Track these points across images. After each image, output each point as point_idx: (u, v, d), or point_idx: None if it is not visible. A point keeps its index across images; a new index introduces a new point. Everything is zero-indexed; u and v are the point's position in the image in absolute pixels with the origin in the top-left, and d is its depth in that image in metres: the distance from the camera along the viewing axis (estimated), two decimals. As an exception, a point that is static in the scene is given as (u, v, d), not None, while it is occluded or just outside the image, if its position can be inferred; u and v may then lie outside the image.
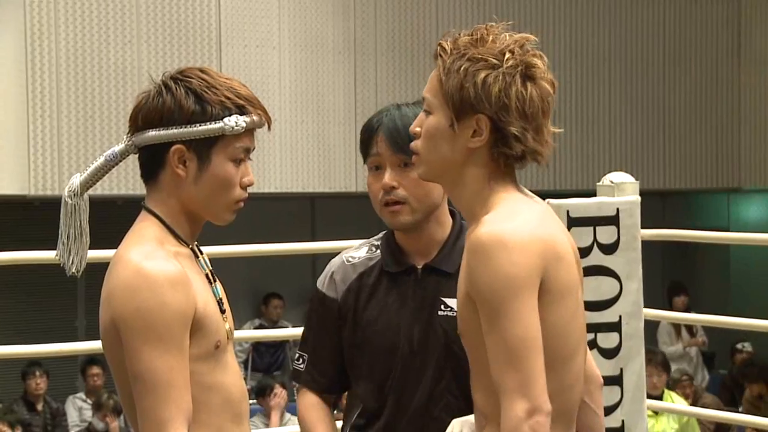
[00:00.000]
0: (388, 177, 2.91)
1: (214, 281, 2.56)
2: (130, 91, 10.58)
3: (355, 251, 3.05)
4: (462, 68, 2.41)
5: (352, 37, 11.97)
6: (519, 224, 2.37)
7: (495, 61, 2.41)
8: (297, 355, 3.08)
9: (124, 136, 2.56)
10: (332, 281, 3.02)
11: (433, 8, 12.40)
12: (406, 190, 2.90)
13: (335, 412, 3.14)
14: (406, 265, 2.97)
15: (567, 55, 12.41)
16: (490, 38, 2.44)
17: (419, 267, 2.96)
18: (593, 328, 4.00)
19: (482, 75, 2.40)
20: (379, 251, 3.01)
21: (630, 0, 13.28)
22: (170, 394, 2.35)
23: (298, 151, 11.66)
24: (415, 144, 2.51)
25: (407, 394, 2.93)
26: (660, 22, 13.43)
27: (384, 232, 3.05)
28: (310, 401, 3.03)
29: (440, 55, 2.45)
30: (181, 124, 2.48)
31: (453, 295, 2.91)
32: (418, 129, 2.50)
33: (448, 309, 2.92)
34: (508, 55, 2.41)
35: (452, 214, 3.01)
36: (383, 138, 2.93)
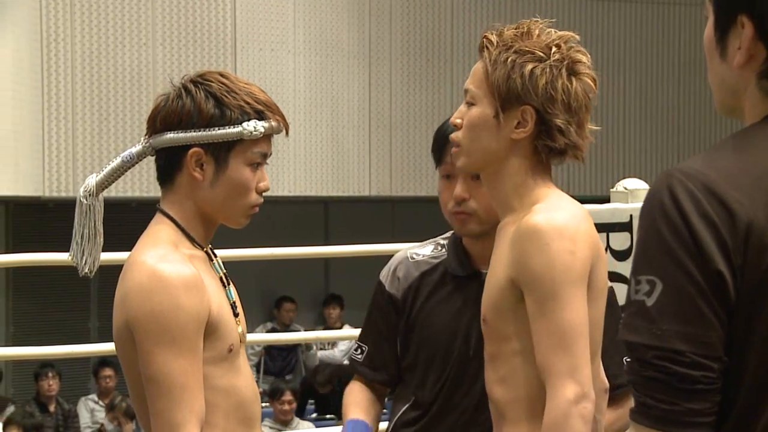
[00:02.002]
0: (460, 189, 2.88)
1: (228, 284, 2.56)
2: (144, 93, 10.60)
3: (420, 248, 3.04)
4: (509, 60, 2.43)
5: (366, 41, 11.98)
6: (572, 216, 2.41)
7: (542, 54, 2.44)
8: (356, 345, 3.07)
9: (142, 138, 2.57)
10: (395, 277, 3.01)
11: (448, 13, 12.40)
12: (477, 202, 2.87)
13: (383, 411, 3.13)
14: (471, 270, 2.95)
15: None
16: (536, 32, 2.47)
17: (485, 272, 2.89)
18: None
19: (529, 67, 2.42)
20: (444, 251, 3.00)
21: (644, 6, 13.26)
22: (183, 396, 2.35)
23: (312, 155, 11.67)
24: (456, 135, 2.52)
25: (456, 397, 2.91)
26: (675, 27, 13.42)
27: (452, 231, 3.03)
28: (356, 385, 3.03)
29: (486, 48, 2.47)
30: (200, 128, 2.48)
31: None
32: (459, 120, 2.51)
33: None
34: (554, 49, 2.45)
35: None
36: None
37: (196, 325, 2.38)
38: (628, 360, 1.63)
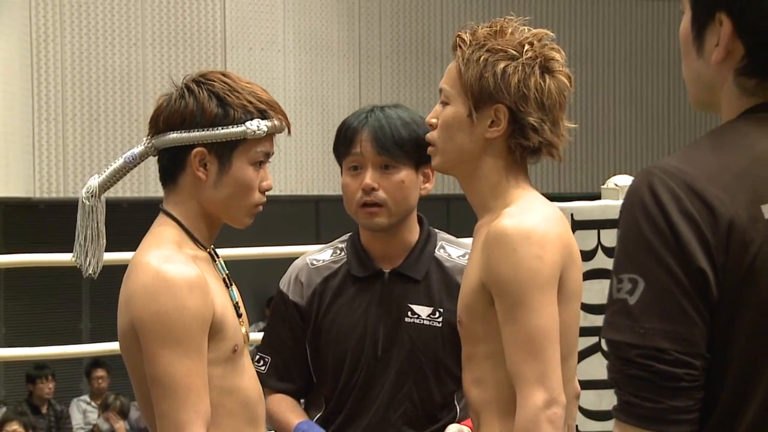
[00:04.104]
0: (369, 177, 2.88)
1: (231, 285, 2.56)
2: (135, 94, 10.59)
3: (319, 254, 3.03)
4: (481, 59, 2.43)
5: (356, 41, 11.98)
6: (542, 220, 2.40)
7: (514, 52, 2.43)
8: (257, 357, 3.03)
9: (144, 138, 2.56)
10: (297, 284, 2.99)
11: (438, 12, 12.41)
12: (385, 192, 2.88)
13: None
14: (373, 270, 2.95)
15: (571, 58, 12.35)
16: (509, 30, 2.46)
17: (386, 271, 2.95)
18: (597, 331, 3.99)
19: (502, 65, 2.42)
20: (344, 254, 2.99)
21: (634, 3, 13.28)
22: (189, 397, 2.35)
23: (302, 154, 11.67)
24: (431, 135, 2.51)
25: (369, 398, 2.92)
26: (665, 24, 13.44)
27: (349, 234, 3.03)
28: (275, 395, 2.99)
29: (459, 47, 2.47)
30: (203, 127, 2.48)
31: (420, 302, 2.92)
32: (434, 120, 2.51)
33: (415, 316, 2.92)
34: (527, 47, 2.44)
35: (420, 220, 3.00)
36: (367, 138, 2.90)
37: (200, 325, 2.38)
38: (611, 358, 1.63)
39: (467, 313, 2.45)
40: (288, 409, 2.97)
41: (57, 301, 11.55)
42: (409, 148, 2.90)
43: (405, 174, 2.90)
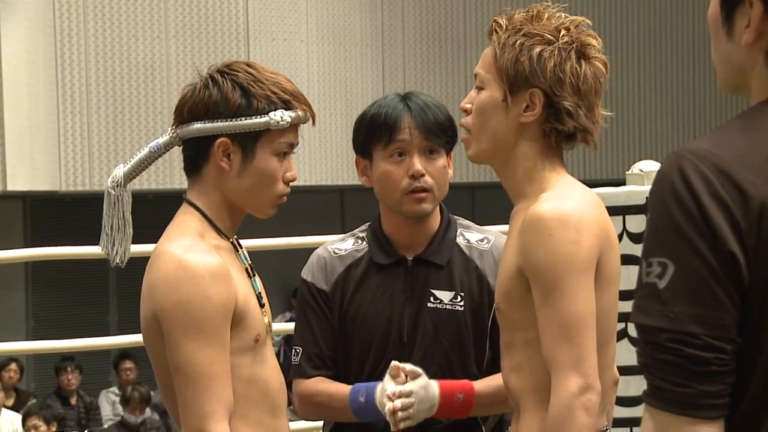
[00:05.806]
0: (419, 163, 2.88)
1: (254, 275, 2.57)
2: (158, 86, 10.62)
3: (341, 243, 3.03)
4: (517, 43, 2.42)
5: (379, 29, 11.97)
6: (578, 204, 2.39)
7: (550, 37, 2.42)
8: (293, 351, 3.03)
9: (169, 128, 2.57)
10: (321, 271, 3.00)
11: (460, -1, 12.38)
12: (432, 177, 2.89)
13: None
14: (396, 257, 2.96)
15: (595, 44, 12.38)
16: (546, 16, 2.45)
17: (409, 258, 2.95)
18: (623, 317, 3.99)
19: (537, 49, 2.41)
20: (365, 243, 3.00)
21: (658, -12, 13.22)
22: (211, 386, 2.36)
23: (327, 144, 11.67)
24: (466, 120, 2.51)
25: None
26: (689, 9, 13.38)
27: (368, 224, 3.04)
28: (316, 378, 2.98)
29: (495, 31, 2.46)
30: (227, 118, 2.48)
31: (443, 288, 2.93)
32: (468, 105, 2.50)
33: (438, 301, 2.92)
34: (563, 32, 2.43)
35: (439, 207, 3.00)
36: (414, 123, 2.89)
37: (223, 314, 2.39)
38: (641, 343, 1.63)
39: (505, 299, 2.44)
40: (334, 383, 2.96)
41: (84, 293, 11.60)
42: (447, 133, 2.92)
43: (444, 159, 2.93)
